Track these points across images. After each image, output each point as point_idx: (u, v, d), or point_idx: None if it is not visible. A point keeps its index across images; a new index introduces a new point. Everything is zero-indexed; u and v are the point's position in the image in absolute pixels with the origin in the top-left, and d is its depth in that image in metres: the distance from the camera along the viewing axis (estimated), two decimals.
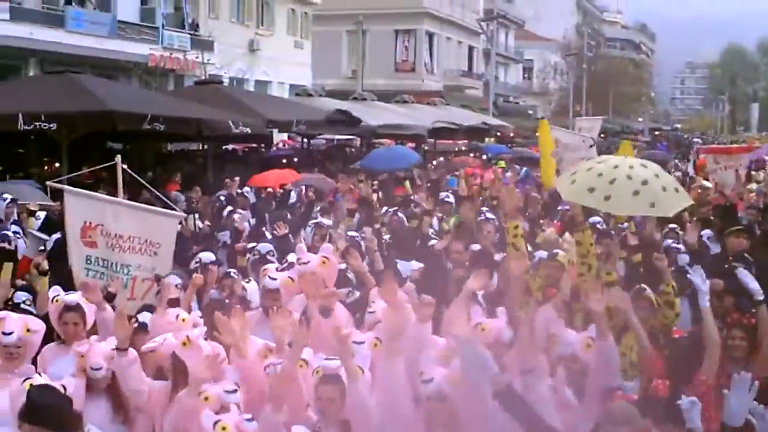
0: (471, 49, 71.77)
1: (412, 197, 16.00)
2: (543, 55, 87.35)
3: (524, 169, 23.92)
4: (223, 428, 5.22)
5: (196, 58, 36.63)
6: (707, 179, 18.10)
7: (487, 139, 43.49)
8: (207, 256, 9.45)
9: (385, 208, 13.71)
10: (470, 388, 5.27)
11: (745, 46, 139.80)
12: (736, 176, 15.96)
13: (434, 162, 30.35)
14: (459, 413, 5.40)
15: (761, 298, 7.02)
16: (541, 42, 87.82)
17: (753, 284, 7.07)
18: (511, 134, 48.75)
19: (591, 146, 16.80)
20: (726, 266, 8.95)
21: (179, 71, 37.25)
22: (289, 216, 13.06)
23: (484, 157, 34.91)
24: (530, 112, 72.78)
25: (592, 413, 5.49)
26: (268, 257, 9.58)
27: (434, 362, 5.70)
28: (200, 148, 26.64)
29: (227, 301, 7.90)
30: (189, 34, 38.09)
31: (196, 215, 13.75)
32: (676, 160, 37.69)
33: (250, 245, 10.79)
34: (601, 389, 5.75)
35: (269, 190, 17.05)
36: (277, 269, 7.82)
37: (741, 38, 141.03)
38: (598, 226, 11.00)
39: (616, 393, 5.28)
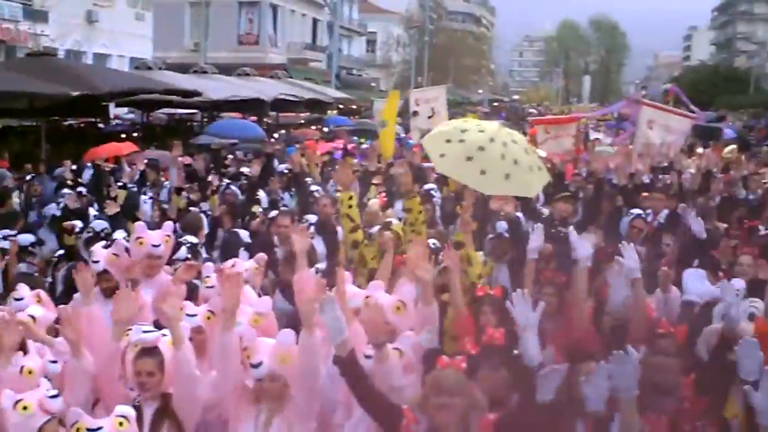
0: (315, 21, 71.66)
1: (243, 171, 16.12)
2: (386, 27, 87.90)
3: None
4: (25, 407, 5.07)
5: (29, 29, 35.43)
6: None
7: (329, 112, 43.74)
8: (25, 237, 9.40)
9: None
10: (303, 363, 5.37)
11: (579, 22, 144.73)
12: (573, 143, 16.90)
13: (276, 135, 30.39)
14: (290, 387, 5.47)
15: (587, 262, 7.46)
16: (384, 15, 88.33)
17: (580, 247, 7.46)
18: (354, 106, 49.17)
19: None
20: (552, 230, 9.32)
21: (10, 43, 35.88)
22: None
23: (326, 129, 35.17)
24: (373, 84, 73.36)
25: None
26: (102, 235, 9.37)
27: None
28: (33, 124, 25.86)
29: None
30: (21, 3, 36.75)
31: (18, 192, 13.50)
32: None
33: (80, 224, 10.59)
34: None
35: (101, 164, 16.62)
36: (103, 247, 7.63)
37: (575, 14, 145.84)
38: (432, 192, 11.44)
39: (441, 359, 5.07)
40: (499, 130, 8.17)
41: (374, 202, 11.46)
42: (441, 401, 4.77)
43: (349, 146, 23.61)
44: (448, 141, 8.04)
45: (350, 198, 8.46)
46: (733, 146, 21.27)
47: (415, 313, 6.09)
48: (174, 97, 28.92)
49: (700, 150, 20.05)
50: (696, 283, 7.01)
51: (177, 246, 8.30)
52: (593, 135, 26.95)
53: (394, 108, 16.71)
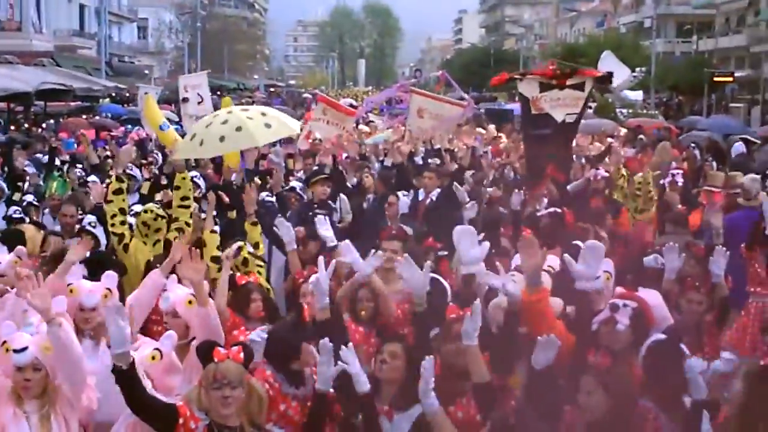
0: (82, 7, 69.05)
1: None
2: (157, 13, 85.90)
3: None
4: None
5: None
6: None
7: (102, 100, 42.42)
8: None
9: None
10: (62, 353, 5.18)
11: (351, 7, 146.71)
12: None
13: (44, 125, 29.19)
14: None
15: (333, 244, 7.72)
16: (155, 0, 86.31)
17: (326, 232, 7.73)
18: (127, 94, 47.85)
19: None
20: (309, 213, 9.60)
21: None
22: None
23: (98, 117, 34.08)
24: (146, 71, 71.61)
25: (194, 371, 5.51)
26: None
27: None
28: None
29: None
30: None
31: None
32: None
33: None
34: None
35: None
36: None
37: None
38: (195, 179, 11.39)
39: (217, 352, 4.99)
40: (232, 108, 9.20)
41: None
42: (223, 394, 4.74)
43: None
44: (194, 136, 8.89)
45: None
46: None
47: (193, 313, 6.09)
48: None
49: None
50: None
51: None
52: (373, 118, 27.28)
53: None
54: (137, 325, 6.16)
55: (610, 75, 12.15)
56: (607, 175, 11.72)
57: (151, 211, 8.81)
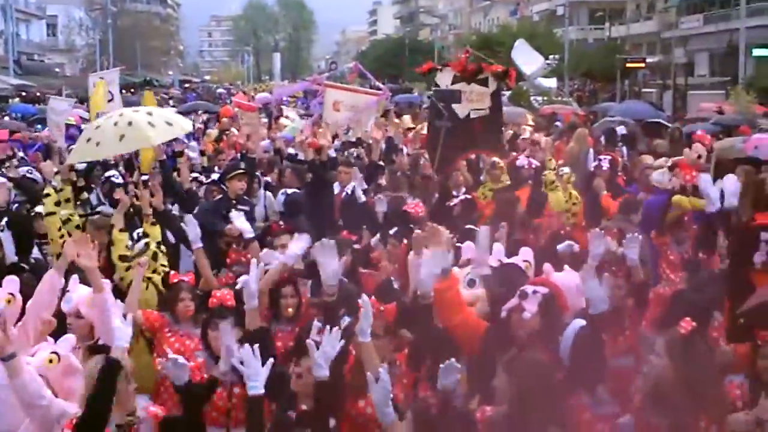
0: None
1: None
2: (67, 10, 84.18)
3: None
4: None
5: None
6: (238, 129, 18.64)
7: (11, 100, 41.50)
8: None
9: None
10: None
11: (265, 1, 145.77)
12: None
13: None
14: None
15: (251, 236, 7.67)
16: None
17: (243, 225, 7.66)
18: (38, 93, 46.90)
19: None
20: (227, 209, 9.47)
21: None
22: None
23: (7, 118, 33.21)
24: (57, 69, 70.26)
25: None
26: None
27: None
28: None
29: None
30: None
31: None
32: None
33: None
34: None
35: None
36: None
37: None
38: (113, 179, 11.20)
39: None
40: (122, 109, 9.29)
41: None
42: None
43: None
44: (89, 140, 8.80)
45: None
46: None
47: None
48: None
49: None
50: None
51: None
52: (287, 112, 27.12)
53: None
54: (35, 329, 5.96)
55: (505, 72, 12.18)
56: (538, 164, 11.70)
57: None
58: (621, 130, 15.61)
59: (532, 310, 5.54)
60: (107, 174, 11.61)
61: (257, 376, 4.96)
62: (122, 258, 7.89)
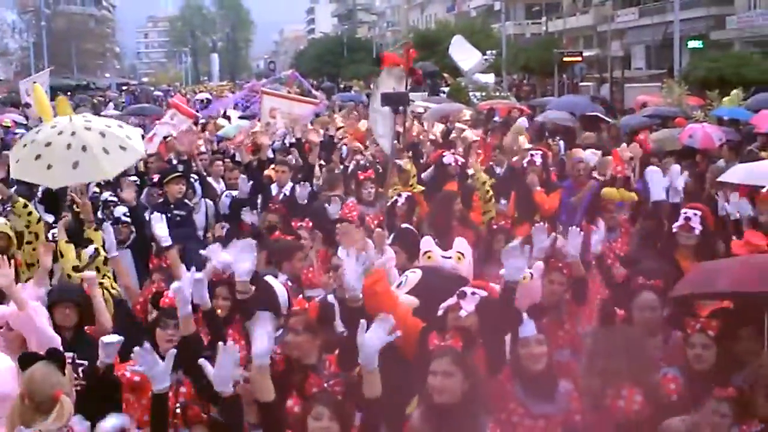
0: None
1: None
2: None
3: None
4: None
5: None
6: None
7: None
8: None
9: None
10: None
11: (202, 1, 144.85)
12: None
13: None
14: None
15: (167, 244, 7.61)
16: None
17: (161, 231, 7.57)
18: None
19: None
20: (170, 214, 9.46)
21: None
22: None
23: None
24: None
25: None
26: None
27: None
28: None
29: None
30: None
31: None
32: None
33: None
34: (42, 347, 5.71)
35: None
36: None
37: None
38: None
39: None
40: (72, 122, 8.53)
41: None
42: None
43: None
44: (24, 145, 8.53)
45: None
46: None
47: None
48: None
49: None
50: None
51: None
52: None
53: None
54: None
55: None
56: (464, 161, 11.73)
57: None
58: (523, 122, 15.41)
59: (469, 309, 5.54)
60: None
61: (162, 375, 4.96)
62: (75, 269, 7.82)
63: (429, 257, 6.66)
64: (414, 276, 6.37)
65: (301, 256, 8.22)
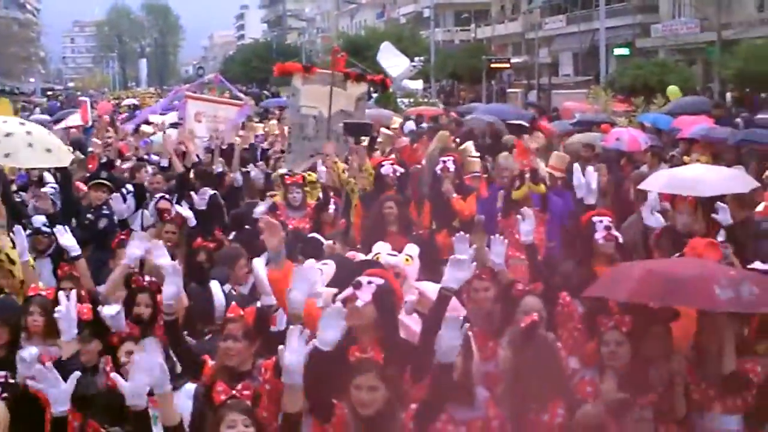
0: None
1: None
2: None
3: None
4: None
5: None
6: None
7: None
8: None
9: None
10: None
11: (129, 6, 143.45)
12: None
13: None
14: None
15: (76, 254, 7.54)
16: None
17: (68, 242, 7.47)
18: None
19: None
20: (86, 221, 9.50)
21: None
22: None
23: None
24: None
25: None
26: None
27: None
28: None
29: None
30: None
31: None
32: None
33: None
34: None
35: None
36: None
37: None
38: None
39: None
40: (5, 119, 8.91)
41: None
42: None
43: None
44: None
45: None
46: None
47: None
48: None
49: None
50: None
51: None
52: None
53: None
54: None
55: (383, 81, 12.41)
56: (402, 171, 11.61)
57: None
58: (409, 126, 15.35)
59: (365, 299, 5.43)
60: None
61: (63, 396, 4.78)
62: None
63: (377, 259, 6.62)
64: (328, 268, 6.31)
65: (243, 263, 8.20)
